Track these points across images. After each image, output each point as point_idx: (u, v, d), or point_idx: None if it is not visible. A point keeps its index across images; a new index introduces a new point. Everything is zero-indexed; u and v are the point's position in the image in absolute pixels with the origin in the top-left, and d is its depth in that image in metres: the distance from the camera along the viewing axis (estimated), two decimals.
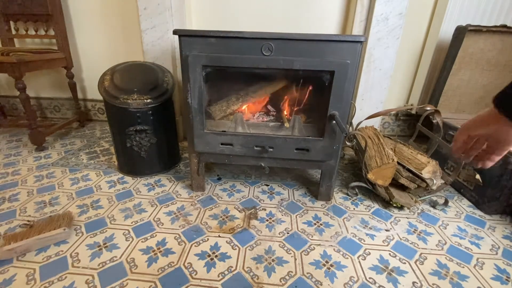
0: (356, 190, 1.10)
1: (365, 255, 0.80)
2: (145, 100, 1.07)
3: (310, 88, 1.03)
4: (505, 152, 0.46)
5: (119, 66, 1.16)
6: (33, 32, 1.60)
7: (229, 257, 0.78)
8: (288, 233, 0.88)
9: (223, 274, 0.72)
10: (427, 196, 1.06)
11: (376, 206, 1.04)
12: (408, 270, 0.75)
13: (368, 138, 1.17)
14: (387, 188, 1.01)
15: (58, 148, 1.47)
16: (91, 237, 0.84)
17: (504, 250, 0.84)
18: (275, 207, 1.02)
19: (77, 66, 1.76)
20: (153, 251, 0.79)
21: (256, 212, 0.98)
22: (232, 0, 1.47)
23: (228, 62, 0.86)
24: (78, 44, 1.73)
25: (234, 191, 1.11)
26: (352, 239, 0.87)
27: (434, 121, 1.14)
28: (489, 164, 0.49)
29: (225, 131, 0.99)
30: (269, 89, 1.07)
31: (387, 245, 0.84)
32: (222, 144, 0.97)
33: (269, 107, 1.12)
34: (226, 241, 0.84)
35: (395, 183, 1.01)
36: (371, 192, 1.10)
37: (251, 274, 0.73)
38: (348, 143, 1.01)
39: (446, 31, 1.41)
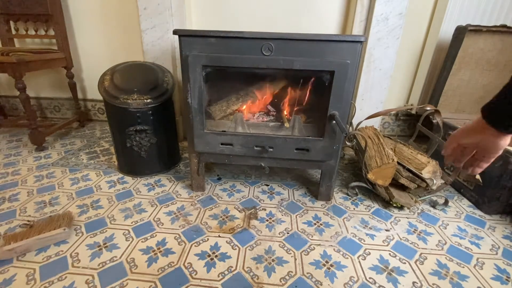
0: (356, 190, 1.10)
1: (365, 255, 0.80)
2: (145, 100, 1.07)
3: (310, 88, 1.03)
4: (493, 160, 0.48)
5: (119, 66, 1.16)
6: (33, 32, 1.60)
7: (229, 257, 0.78)
8: (288, 233, 0.88)
9: (223, 274, 0.72)
10: (427, 196, 1.06)
11: (376, 206, 1.04)
12: (408, 270, 0.75)
13: (368, 138, 1.17)
14: (387, 188, 1.00)
15: (58, 148, 1.47)
16: (91, 237, 0.84)
17: (504, 250, 0.84)
18: (275, 207, 1.02)
19: (77, 66, 1.76)
20: (153, 251, 0.79)
21: (256, 212, 0.98)
22: (232, 0, 1.47)
23: (228, 62, 0.86)
24: (78, 44, 1.73)
25: (234, 191, 1.11)
26: (352, 239, 0.87)
27: (434, 121, 1.14)
28: (478, 170, 0.51)
29: (225, 131, 0.99)
30: (269, 89, 1.07)
31: (387, 245, 0.84)
32: (222, 144, 0.97)
33: (269, 107, 1.12)
34: (226, 241, 0.84)
35: (395, 183, 1.01)
36: (371, 192, 1.10)
37: (251, 274, 0.73)
38: (348, 143, 1.01)
39: (446, 31, 1.41)
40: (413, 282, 0.72)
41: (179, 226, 0.90)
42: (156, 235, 0.86)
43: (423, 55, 1.56)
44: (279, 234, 0.88)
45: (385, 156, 0.98)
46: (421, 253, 0.82)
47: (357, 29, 1.39)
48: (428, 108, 1.14)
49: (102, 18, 1.64)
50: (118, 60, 1.34)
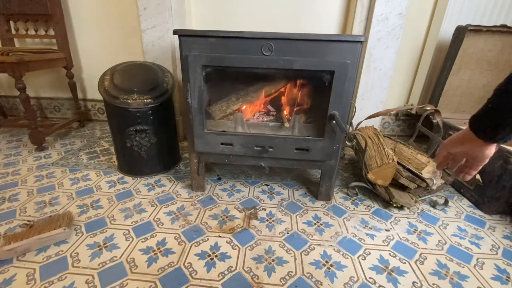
0: (356, 190, 1.10)
1: (365, 255, 0.80)
2: (145, 100, 1.07)
3: (310, 88, 1.03)
4: (481, 167, 0.52)
5: (119, 66, 1.16)
6: (33, 32, 1.60)
7: (229, 257, 0.78)
8: (288, 233, 0.88)
9: (223, 274, 0.72)
10: (427, 196, 1.06)
11: (376, 206, 1.04)
12: (408, 270, 0.75)
13: (368, 138, 1.17)
14: (387, 188, 1.00)
15: (58, 148, 1.47)
16: (91, 237, 0.84)
17: (504, 250, 0.84)
18: (275, 207, 1.02)
19: (77, 66, 1.76)
20: (153, 251, 0.79)
21: (256, 212, 0.98)
22: (232, 0, 1.47)
23: (228, 62, 0.85)
24: (78, 44, 1.73)
25: (234, 191, 1.11)
26: (352, 239, 0.87)
27: (434, 121, 1.14)
28: (468, 177, 0.55)
29: (225, 131, 0.99)
30: (269, 89, 1.07)
31: (387, 245, 0.84)
32: (222, 144, 0.97)
33: (269, 107, 1.12)
34: (226, 241, 0.84)
35: (395, 183, 1.01)
36: (371, 192, 1.10)
37: (251, 274, 0.73)
38: (348, 143, 1.01)
39: (446, 31, 1.41)
40: (413, 282, 0.72)
41: (179, 226, 0.90)
42: (156, 235, 0.86)
43: (423, 55, 1.56)
44: (279, 234, 0.88)
45: (385, 156, 0.98)
46: (421, 253, 0.82)
47: (357, 29, 1.39)
48: (428, 108, 1.14)
49: (102, 18, 1.64)
50: (118, 60, 1.34)
